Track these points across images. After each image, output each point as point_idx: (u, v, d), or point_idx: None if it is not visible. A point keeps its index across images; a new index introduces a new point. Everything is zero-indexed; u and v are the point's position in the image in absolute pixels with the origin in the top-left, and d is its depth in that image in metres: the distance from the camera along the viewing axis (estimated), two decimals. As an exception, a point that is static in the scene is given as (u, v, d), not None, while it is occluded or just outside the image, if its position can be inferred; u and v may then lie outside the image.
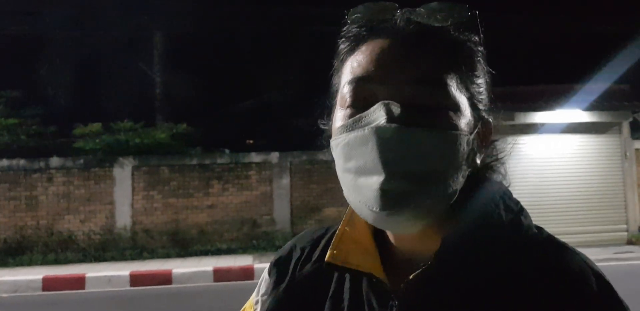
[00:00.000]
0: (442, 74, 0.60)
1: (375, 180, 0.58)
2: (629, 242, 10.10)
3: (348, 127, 0.62)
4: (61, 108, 13.18)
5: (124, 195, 10.24)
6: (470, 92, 0.65)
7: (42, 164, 10.22)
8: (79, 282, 7.91)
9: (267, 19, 12.10)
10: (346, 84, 0.63)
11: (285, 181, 10.53)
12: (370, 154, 0.59)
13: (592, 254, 8.62)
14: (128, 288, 7.88)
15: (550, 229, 0.70)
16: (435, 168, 0.60)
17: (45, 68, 14.25)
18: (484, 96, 0.68)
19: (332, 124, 0.68)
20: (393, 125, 0.57)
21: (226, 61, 13.74)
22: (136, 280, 8.00)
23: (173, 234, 10.24)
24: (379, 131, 0.58)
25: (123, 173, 10.32)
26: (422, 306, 0.63)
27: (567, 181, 10.23)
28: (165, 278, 8.06)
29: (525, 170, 10.14)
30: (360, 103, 0.62)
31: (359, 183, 0.61)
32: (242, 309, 0.82)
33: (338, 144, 0.63)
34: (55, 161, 10.28)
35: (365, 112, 0.60)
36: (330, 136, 0.67)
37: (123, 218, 10.21)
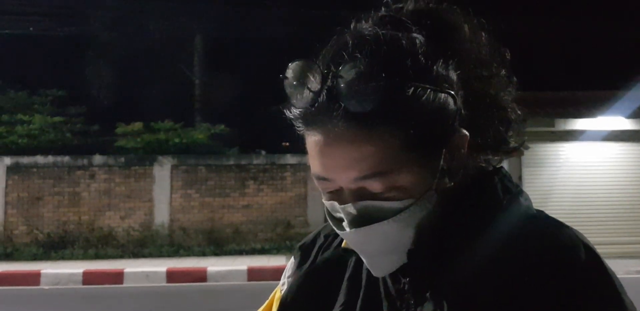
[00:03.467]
0: (377, 165, 0.66)
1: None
2: (671, 254, 9.76)
3: (326, 204, 0.73)
4: (104, 107, 13.57)
5: (162, 193, 10.47)
6: (423, 132, 0.66)
7: (85, 161, 10.54)
8: (118, 277, 8.12)
9: (307, 22, 12.21)
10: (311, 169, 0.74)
11: (320, 183, 10.58)
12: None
13: (629, 266, 8.35)
14: (164, 284, 8.06)
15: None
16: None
17: (90, 69, 14.69)
18: (447, 110, 0.67)
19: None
20: (352, 230, 0.69)
21: (264, 63, 13.91)
22: (172, 276, 8.17)
23: (209, 232, 10.42)
24: (344, 235, 0.71)
25: (162, 172, 10.56)
26: (430, 281, 0.69)
27: (606, 190, 9.97)
28: (200, 276, 8.20)
29: (564, 178, 9.94)
30: (325, 184, 0.73)
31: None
32: (272, 293, 0.89)
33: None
34: (98, 158, 10.59)
35: (334, 208, 0.72)
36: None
37: (161, 216, 10.43)
